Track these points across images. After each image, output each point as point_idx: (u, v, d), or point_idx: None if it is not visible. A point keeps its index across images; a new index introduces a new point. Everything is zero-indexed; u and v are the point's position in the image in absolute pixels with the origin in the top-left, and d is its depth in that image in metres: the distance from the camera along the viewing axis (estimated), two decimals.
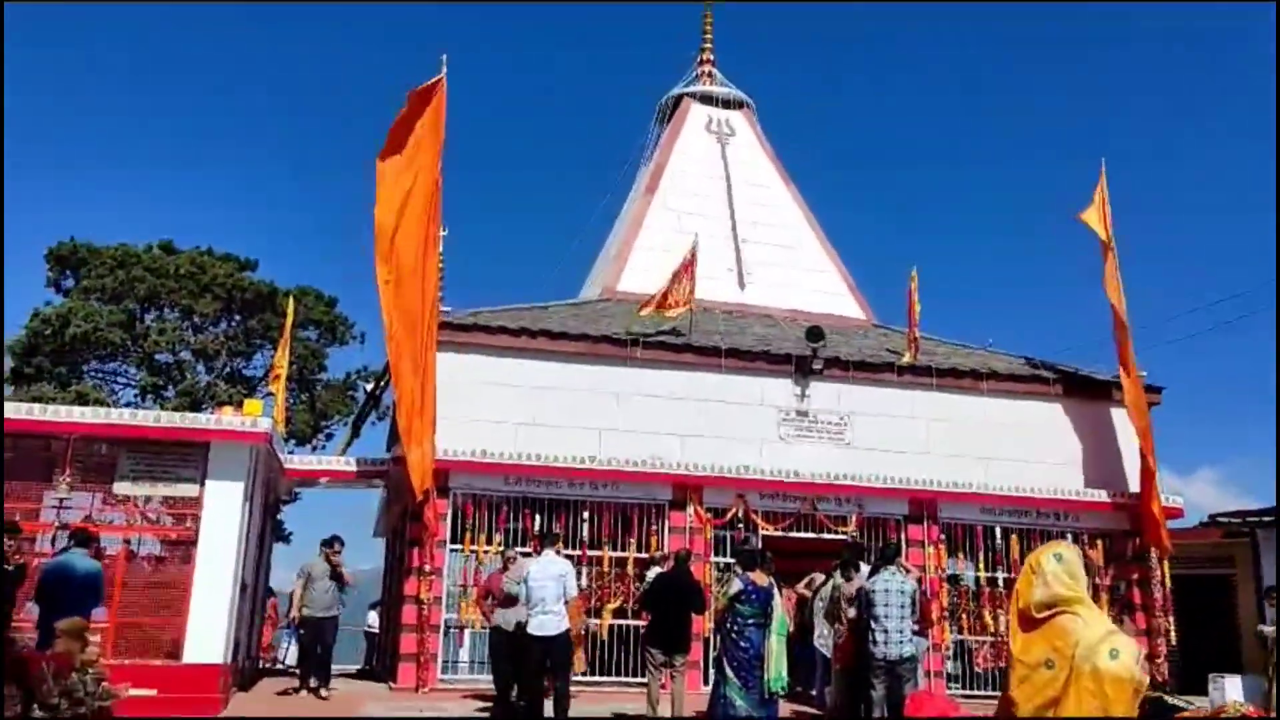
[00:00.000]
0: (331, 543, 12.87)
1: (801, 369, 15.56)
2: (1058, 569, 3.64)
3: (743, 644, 9.29)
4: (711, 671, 9.92)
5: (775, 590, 10.07)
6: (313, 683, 12.61)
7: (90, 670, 5.98)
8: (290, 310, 19.58)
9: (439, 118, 13.56)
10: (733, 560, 10.39)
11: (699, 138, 20.69)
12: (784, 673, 9.93)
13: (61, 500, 11.70)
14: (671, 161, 20.13)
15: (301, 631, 12.74)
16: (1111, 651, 3.67)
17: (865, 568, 11.66)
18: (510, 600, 10.83)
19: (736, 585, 9.43)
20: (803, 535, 14.84)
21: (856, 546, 13.08)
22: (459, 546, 13.76)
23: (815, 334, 15.63)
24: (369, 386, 23.97)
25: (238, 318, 30.06)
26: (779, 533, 14.73)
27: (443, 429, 13.29)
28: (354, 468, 15.99)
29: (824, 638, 12.74)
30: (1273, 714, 9.02)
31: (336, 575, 12.72)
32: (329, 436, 30.79)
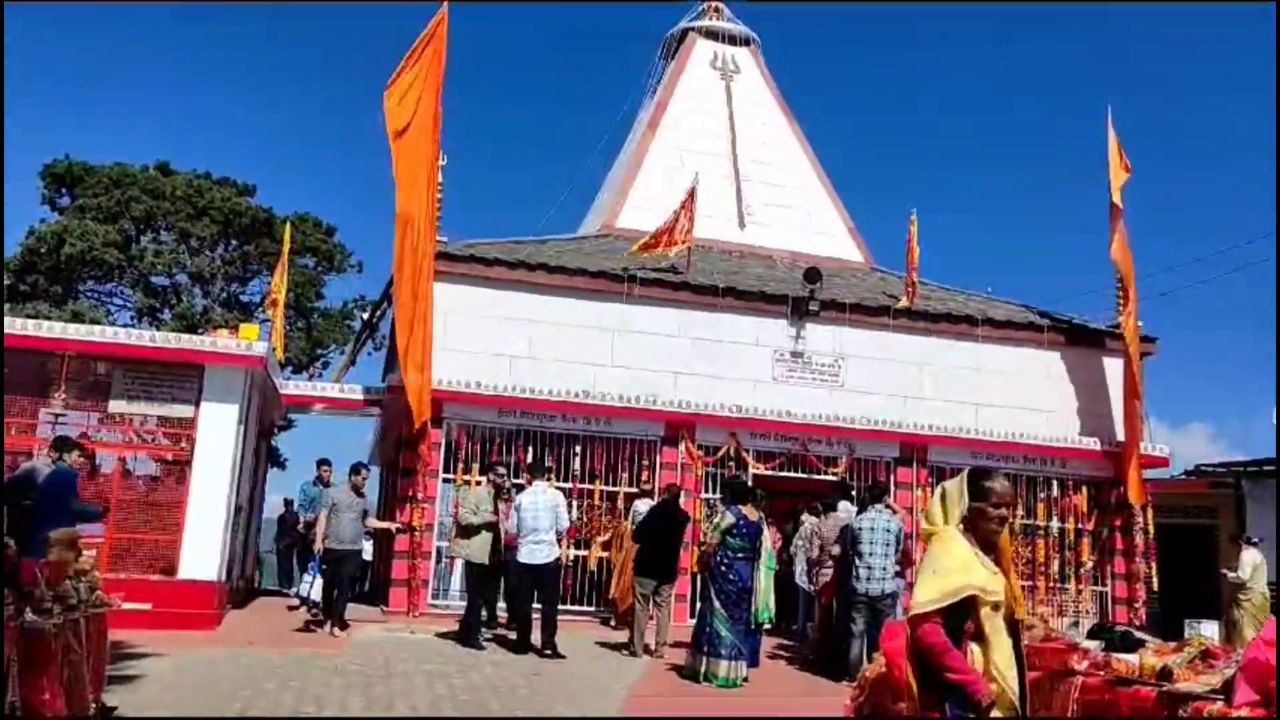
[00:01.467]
0: (359, 469, 12.27)
1: (798, 310, 15.57)
2: (931, 503, 3.83)
3: (731, 576, 9.37)
4: (698, 603, 10.05)
5: (764, 525, 10.20)
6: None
7: (84, 578, 6.08)
8: (287, 236, 19.51)
9: (440, 46, 13.45)
10: (721, 494, 10.49)
11: (703, 74, 20.45)
12: (770, 605, 10.11)
13: (57, 416, 11.77)
14: (674, 97, 19.92)
15: (325, 566, 11.80)
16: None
17: (848, 506, 11.80)
18: (468, 530, 10.88)
19: (728, 519, 9.48)
20: (793, 475, 14.98)
21: (845, 486, 13.24)
22: (451, 477, 13.87)
23: (813, 275, 15.61)
24: (365, 315, 23.97)
25: (235, 242, 29.97)
26: (770, 472, 14.87)
27: (438, 359, 13.34)
28: (351, 395, 16.05)
29: (804, 573, 13.00)
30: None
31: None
32: (325, 364, 30.90)
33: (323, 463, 15.22)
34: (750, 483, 14.81)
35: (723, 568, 9.40)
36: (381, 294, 19.07)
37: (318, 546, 11.43)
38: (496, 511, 11.03)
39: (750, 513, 9.69)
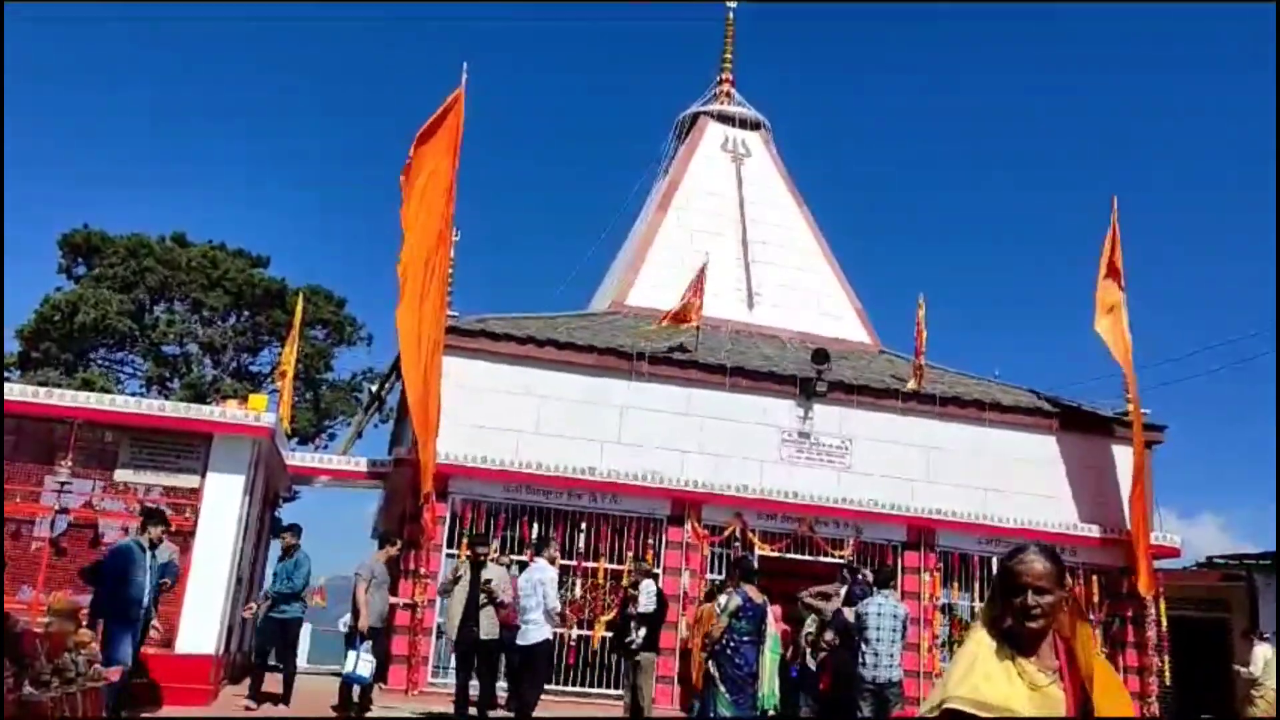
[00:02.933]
0: (394, 540, 12.12)
1: (805, 391, 15.59)
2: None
3: (738, 660, 9.23)
4: (701, 687, 9.87)
5: (768, 608, 10.07)
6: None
7: (83, 651, 6.02)
8: (299, 308, 19.66)
9: (458, 121, 13.70)
10: (723, 576, 10.41)
11: (714, 156, 20.78)
12: (775, 690, 9.94)
13: (63, 484, 11.74)
14: (686, 178, 20.21)
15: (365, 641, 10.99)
16: None
17: (841, 590, 11.69)
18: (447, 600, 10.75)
19: (736, 600, 9.38)
20: (799, 557, 14.84)
21: (853, 570, 13.07)
22: (454, 551, 13.77)
23: (820, 356, 15.66)
24: (374, 388, 24.03)
25: (247, 313, 30.21)
26: (775, 553, 14.74)
27: (445, 433, 13.35)
28: (359, 468, 16.01)
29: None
30: None
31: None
32: (331, 436, 30.92)
33: (288, 529, 12.48)
34: (755, 563, 14.78)
35: (729, 651, 9.25)
36: (390, 367, 19.16)
37: (363, 624, 10.79)
38: (474, 584, 10.69)
39: (755, 595, 9.58)
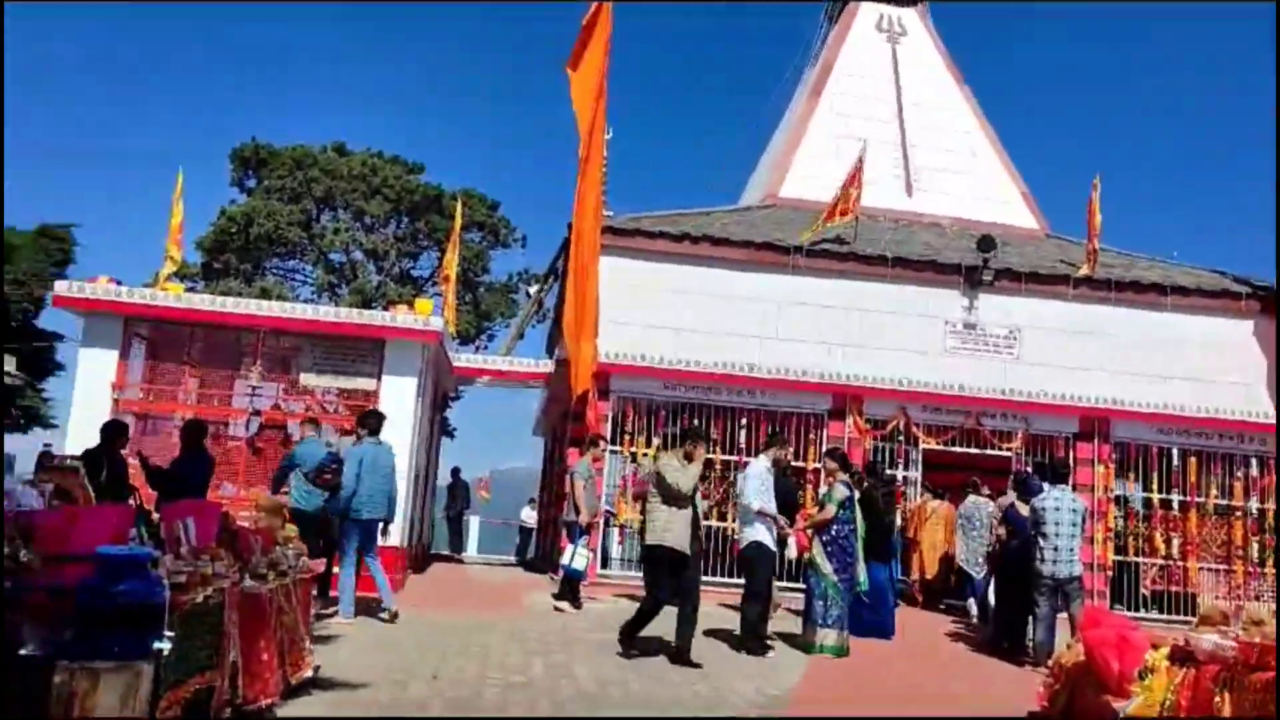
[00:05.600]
0: (596, 442, 12.27)
1: (971, 280, 15.05)
2: None
3: (846, 546, 9.38)
4: (806, 574, 9.81)
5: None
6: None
7: (291, 544, 6.45)
8: (459, 212, 20.04)
9: (607, 19, 13.46)
10: (829, 462, 10.24)
11: (868, 37, 19.89)
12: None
13: (254, 389, 12.50)
14: (839, 62, 19.45)
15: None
16: None
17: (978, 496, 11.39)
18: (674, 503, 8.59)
19: (843, 491, 9.46)
20: (966, 450, 14.54)
21: (1022, 481, 12.63)
22: (618, 448, 14.05)
23: (987, 243, 15.05)
24: (531, 289, 24.49)
25: (406, 219, 31.07)
26: (940, 446, 14.49)
27: (604, 332, 13.49)
28: (521, 368, 16.44)
29: (966, 554, 12.69)
30: None
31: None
32: (490, 337, 31.79)
33: (371, 415, 10.34)
34: (920, 457, 14.59)
35: (840, 540, 9.35)
36: (548, 268, 19.45)
37: (583, 519, 11.25)
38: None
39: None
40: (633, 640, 8.18)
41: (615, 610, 11.15)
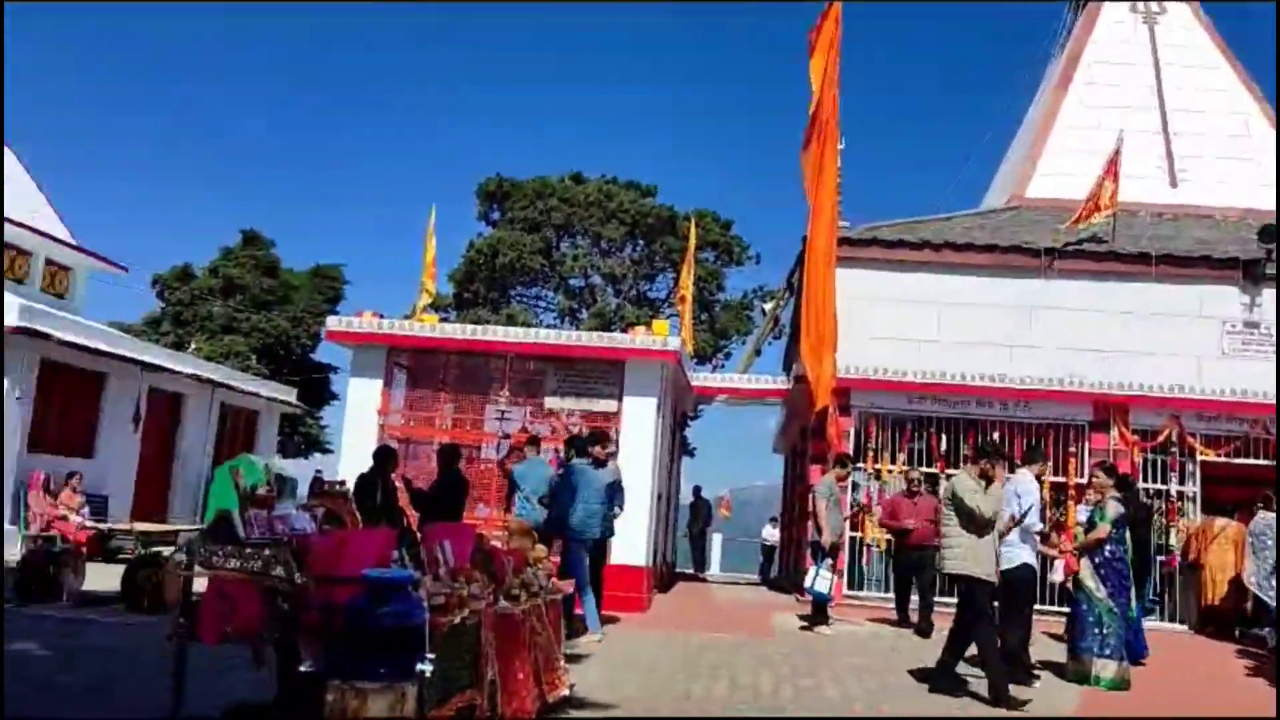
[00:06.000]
0: (844, 462, 11.77)
1: (1251, 274, 13.67)
2: None
3: (1119, 568, 8.62)
4: (1075, 599, 8.99)
5: None
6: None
7: (541, 565, 6.58)
8: (693, 233, 20.22)
9: (834, 30, 13.22)
10: (1100, 476, 9.29)
11: (1120, 19, 18.56)
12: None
13: (502, 413, 13.01)
14: (1087, 51, 18.25)
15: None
16: None
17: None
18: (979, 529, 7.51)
19: (1117, 509, 8.68)
20: (1252, 461, 13.17)
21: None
22: (862, 465, 13.65)
23: (1269, 234, 13.62)
24: (766, 305, 24.37)
25: (641, 242, 31.73)
26: (1220, 458, 13.20)
27: (843, 347, 13.15)
28: (759, 385, 16.33)
29: (1257, 576, 11.41)
30: None
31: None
32: (727, 355, 31.91)
33: (582, 438, 10.31)
34: (1198, 471, 13.33)
35: (1114, 562, 8.54)
36: (783, 283, 19.28)
37: (826, 539, 10.99)
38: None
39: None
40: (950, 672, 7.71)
41: (865, 633, 10.83)
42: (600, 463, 9.67)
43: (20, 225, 16.44)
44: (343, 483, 7.42)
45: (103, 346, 15.33)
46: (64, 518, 13.05)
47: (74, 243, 18.37)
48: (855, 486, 13.59)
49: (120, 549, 14.19)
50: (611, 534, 10.01)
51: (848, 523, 12.66)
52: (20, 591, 9.24)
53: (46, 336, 13.93)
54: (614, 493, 9.98)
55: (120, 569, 10.14)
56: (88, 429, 15.57)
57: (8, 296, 14.76)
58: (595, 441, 9.77)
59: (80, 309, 18.15)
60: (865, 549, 13.73)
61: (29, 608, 8.89)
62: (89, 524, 13.40)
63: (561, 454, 10.62)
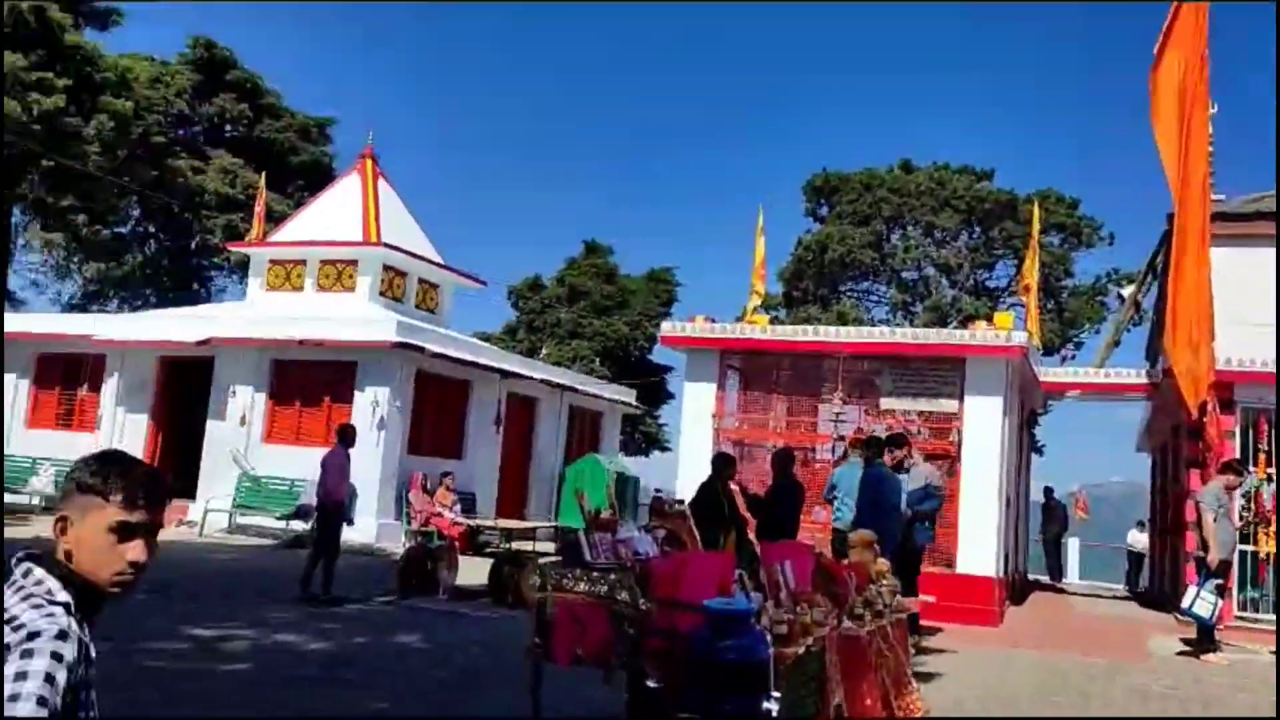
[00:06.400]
0: (1237, 468, 10.57)
1: None
2: None
3: None
4: None
5: None
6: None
7: (885, 579, 6.29)
8: (1036, 216, 18.86)
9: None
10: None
11: None
12: None
13: (837, 414, 12.73)
14: None
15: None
16: None
17: None
18: None
19: None
20: None
21: None
22: (1252, 469, 12.05)
23: None
24: (1124, 290, 22.30)
25: (977, 229, 30.18)
26: None
27: (1223, 335, 11.68)
28: (1119, 379, 14.95)
29: None
30: None
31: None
32: (1078, 345, 29.59)
33: (876, 439, 9.80)
34: None
35: None
36: (1145, 265, 17.56)
37: (1213, 558, 9.80)
38: None
39: None
40: None
41: (1265, 663, 9.49)
42: (898, 466, 9.10)
43: (398, 249, 18.26)
44: (681, 501, 7.49)
45: (467, 356, 16.73)
46: (440, 514, 14.36)
47: (440, 261, 20.15)
48: (1251, 494, 12.01)
49: (488, 543, 15.44)
50: (930, 540, 9.52)
51: (1237, 534, 11.21)
52: (401, 584, 10.20)
53: (420, 350, 15.38)
54: (923, 497, 9.41)
55: (487, 563, 10.97)
56: (457, 432, 17.05)
57: (386, 313, 16.46)
58: (891, 445, 9.21)
59: (447, 322, 19.90)
60: (1258, 564, 12.12)
61: (409, 600, 9.78)
62: (460, 520, 14.68)
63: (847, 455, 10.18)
